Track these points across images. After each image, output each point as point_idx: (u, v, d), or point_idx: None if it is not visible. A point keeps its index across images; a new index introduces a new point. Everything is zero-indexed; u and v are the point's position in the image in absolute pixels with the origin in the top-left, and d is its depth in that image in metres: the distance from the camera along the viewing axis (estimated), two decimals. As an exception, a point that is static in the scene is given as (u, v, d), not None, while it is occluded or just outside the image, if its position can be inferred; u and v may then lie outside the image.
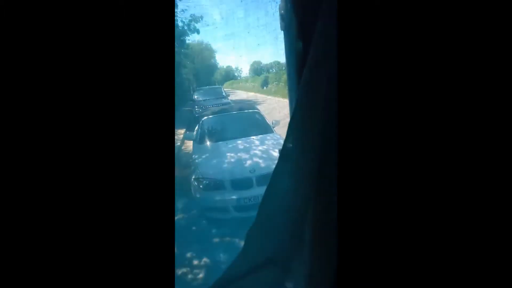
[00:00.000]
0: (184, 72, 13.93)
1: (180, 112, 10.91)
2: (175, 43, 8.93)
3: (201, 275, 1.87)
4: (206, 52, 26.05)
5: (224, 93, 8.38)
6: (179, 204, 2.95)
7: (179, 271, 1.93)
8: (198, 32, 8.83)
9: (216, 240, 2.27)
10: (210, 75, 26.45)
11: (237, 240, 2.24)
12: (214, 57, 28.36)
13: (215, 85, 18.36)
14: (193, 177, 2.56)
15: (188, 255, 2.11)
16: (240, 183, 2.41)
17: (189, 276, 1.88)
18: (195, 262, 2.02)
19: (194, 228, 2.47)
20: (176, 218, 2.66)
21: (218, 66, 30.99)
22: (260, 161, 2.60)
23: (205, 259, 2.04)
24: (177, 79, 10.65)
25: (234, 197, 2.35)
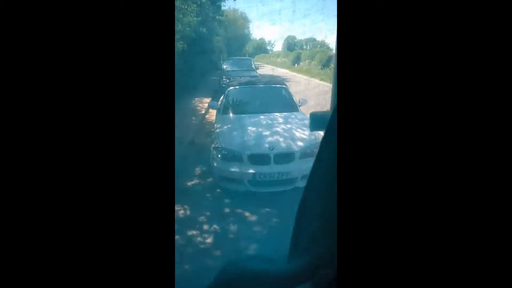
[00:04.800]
0: (216, 40, 13.66)
1: (208, 80, 10.92)
2: (210, 8, 8.63)
3: (209, 240, 1.95)
4: (241, 21, 25.10)
5: (253, 66, 8.14)
6: (197, 170, 3.03)
7: (189, 233, 2.02)
8: (234, -2, 8.40)
9: (227, 210, 2.32)
10: (242, 45, 25.74)
11: (247, 213, 2.27)
12: (248, 28, 27.32)
13: (245, 56, 17.91)
14: (213, 146, 2.58)
15: (200, 219, 2.19)
16: (258, 159, 2.38)
17: (198, 238, 1.96)
18: (205, 227, 2.09)
19: (208, 195, 2.54)
20: (192, 183, 2.75)
21: (251, 38, 29.90)
22: (281, 139, 2.52)
23: (215, 226, 2.10)
24: (208, 47, 10.48)
25: (250, 171, 2.34)
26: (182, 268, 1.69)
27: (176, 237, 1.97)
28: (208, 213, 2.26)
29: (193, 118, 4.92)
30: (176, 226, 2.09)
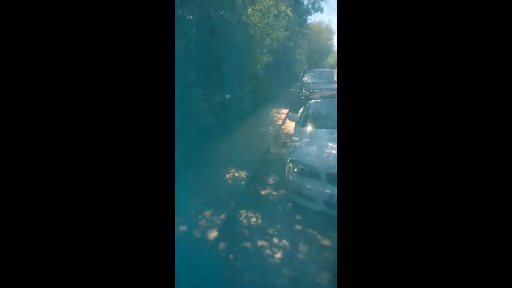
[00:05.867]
0: (298, 52, 13.87)
1: (286, 92, 11.14)
2: (297, 22, 8.83)
3: (278, 255, 1.90)
4: (325, 34, 24.70)
5: (335, 78, 7.79)
6: (270, 180, 3.07)
7: (259, 243, 2.03)
8: (321, 10, 8.34)
9: (298, 227, 2.22)
10: (324, 57, 25.24)
11: (319, 236, 2.11)
12: (332, 39, 26.63)
13: (326, 68, 17.43)
14: (289, 158, 2.54)
15: (270, 231, 2.17)
16: (337, 178, 2.20)
17: (267, 251, 1.94)
18: (275, 240, 2.06)
19: (279, 207, 2.51)
20: (265, 192, 2.79)
21: (334, 49, 28.97)
22: (367, 160, 2.25)
23: (284, 242, 2.04)
24: (290, 59, 10.72)
25: (327, 191, 2.18)
26: (250, 277, 1.70)
27: (247, 243, 2.02)
28: (278, 226, 2.22)
29: (270, 128, 5.07)
30: (247, 233, 2.14)
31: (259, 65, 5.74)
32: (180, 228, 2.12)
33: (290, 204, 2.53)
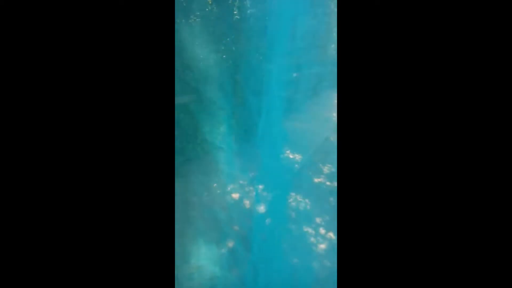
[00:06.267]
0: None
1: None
2: None
3: (322, 246, 1.87)
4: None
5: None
6: (325, 168, 2.95)
7: (304, 228, 2.02)
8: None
9: (349, 224, 2.11)
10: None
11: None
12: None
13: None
14: (352, 151, 2.36)
15: (317, 220, 2.13)
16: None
17: (312, 239, 1.93)
18: (322, 230, 2.02)
19: (331, 199, 2.41)
20: (318, 180, 2.70)
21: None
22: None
23: (330, 234, 1.98)
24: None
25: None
26: (291, 259, 1.73)
27: (292, 226, 2.04)
28: (327, 218, 2.16)
29: (334, 114, 4.76)
30: (294, 215, 2.15)
31: (333, 45, 5.28)
32: (233, 195, 2.27)
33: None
